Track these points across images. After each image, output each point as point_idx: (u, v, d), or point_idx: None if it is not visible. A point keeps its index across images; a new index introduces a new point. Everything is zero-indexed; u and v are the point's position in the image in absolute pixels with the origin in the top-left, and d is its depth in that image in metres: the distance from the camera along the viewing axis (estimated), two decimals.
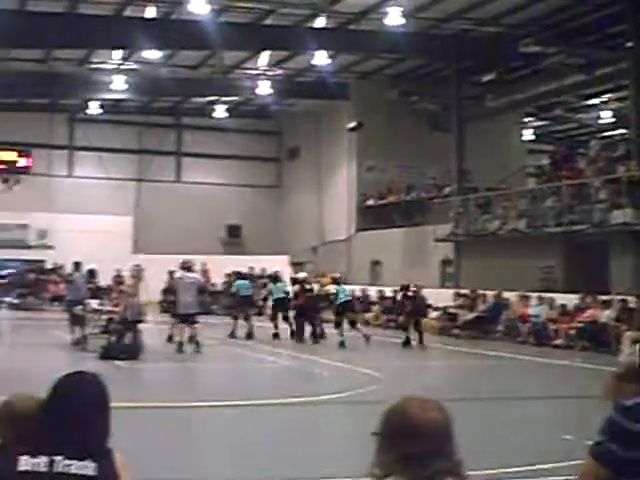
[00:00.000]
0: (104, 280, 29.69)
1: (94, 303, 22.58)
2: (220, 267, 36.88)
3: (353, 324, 23.67)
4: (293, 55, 33.43)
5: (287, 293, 25.66)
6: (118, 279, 29.04)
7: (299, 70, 35.88)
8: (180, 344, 20.39)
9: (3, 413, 3.58)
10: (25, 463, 3.14)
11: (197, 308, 21.33)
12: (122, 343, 19.29)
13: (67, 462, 3.14)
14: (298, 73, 36.43)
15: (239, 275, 26.92)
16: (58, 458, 3.15)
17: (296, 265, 39.51)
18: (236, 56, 33.81)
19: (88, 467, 3.15)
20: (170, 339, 22.01)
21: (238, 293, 25.61)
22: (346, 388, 14.79)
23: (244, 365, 19.91)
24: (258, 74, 35.49)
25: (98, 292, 26.87)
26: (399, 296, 26.33)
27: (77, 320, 21.44)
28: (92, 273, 25.88)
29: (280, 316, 25.02)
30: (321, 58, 31.95)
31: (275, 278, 26.60)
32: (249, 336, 24.44)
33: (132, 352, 18.80)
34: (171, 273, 26.57)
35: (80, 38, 27.85)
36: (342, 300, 23.90)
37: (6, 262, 41.30)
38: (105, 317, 21.59)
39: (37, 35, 27.35)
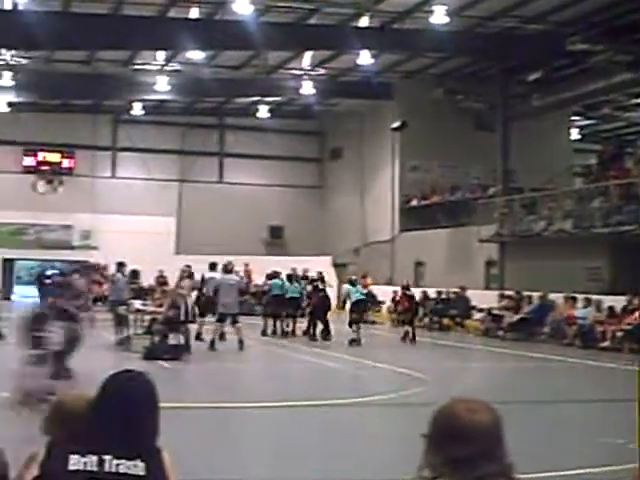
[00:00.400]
0: (147, 281, 29.77)
1: (137, 303, 22.58)
2: (262, 268, 36.74)
3: (357, 322, 23.91)
4: (337, 55, 33.27)
5: (300, 293, 26.49)
6: (161, 279, 29.13)
7: (343, 70, 35.70)
8: (212, 342, 20.65)
9: (53, 412, 3.63)
10: (75, 462, 3.10)
11: (237, 308, 21.54)
12: (165, 343, 19.25)
13: (116, 461, 3.11)
14: (342, 73, 36.25)
15: (273, 275, 27.20)
16: (107, 457, 3.11)
17: (339, 266, 39.37)
18: (279, 56, 33.74)
19: (137, 467, 3.12)
20: (198, 337, 22.11)
21: (270, 292, 26.01)
22: (390, 390, 14.64)
23: (286, 366, 19.74)
24: (301, 74, 35.37)
25: (141, 292, 26.91)
26: (399, 294, 28.61)
27: (120, 320, 21.47)
28: (135, 274, 25.98)
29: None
30: (365, 58, 31.76)
31: (289, 278, 26.82)
32: (273, 333, 25.43)
33: (175, 352, 18.76)
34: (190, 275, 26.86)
35: (124, 39, 27.87)
36: (355, 299, 24.62)
37: (50, 263, 41.70)
38: (148, 317, 21.65)
39: (81, 36, 27.41)
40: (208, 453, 9.31)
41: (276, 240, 44.65)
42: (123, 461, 3.11)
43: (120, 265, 23.46)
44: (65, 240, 41.78)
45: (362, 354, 20.87)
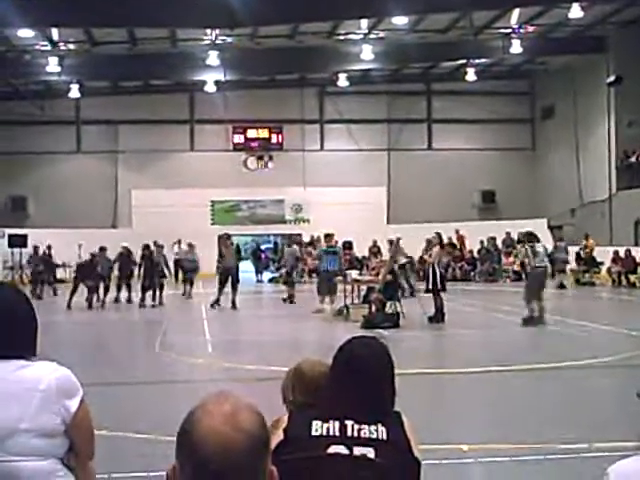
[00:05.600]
0: (360, 251, 29.81)
1: (354, 273, 22.61)
2: (475, 233, 36.30)
3: None
4: (546, 10, 31.90)
5: None
6: (374, 249, 29.10)
7: (552, 25, 34.22)
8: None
9: (293, 380, 3.69)
10: (318, 428, 3.13)
11: None
12: (383, 312, 19.25)
13: (358, 426, 3.12)
14: (551, 29, 34.75)
15: None
16: (349, 422, 3.13)
17: (554, 228, 38.25)
18: (485, 16, 32.69)
19: (379, 431, 3.12)
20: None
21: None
22: (612, 352, 14.08)
23: (504, 330, 19.02)
24: (509, 33, 34.23)
25: (356, 263, 27.02)
26: None
27: (332, 290, 21.60)
28: (348, 244, 26.08)
29: None
30: (576, 11, 30.30)
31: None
32: None
33: (393, 320, 18.74)
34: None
35: (327, 9, 27.80)
36: None
37: (265, 237, 42.61)
38: (365, 287, 21.64)
39: (283, 10, 27.59)
40: (432, 418, 9.29)
41: (488, 205, 43.76)
42: (364, 426, 3.12)
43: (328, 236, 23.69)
44: (277, 214, 42.51)
45: (582, 316, 20.19)
